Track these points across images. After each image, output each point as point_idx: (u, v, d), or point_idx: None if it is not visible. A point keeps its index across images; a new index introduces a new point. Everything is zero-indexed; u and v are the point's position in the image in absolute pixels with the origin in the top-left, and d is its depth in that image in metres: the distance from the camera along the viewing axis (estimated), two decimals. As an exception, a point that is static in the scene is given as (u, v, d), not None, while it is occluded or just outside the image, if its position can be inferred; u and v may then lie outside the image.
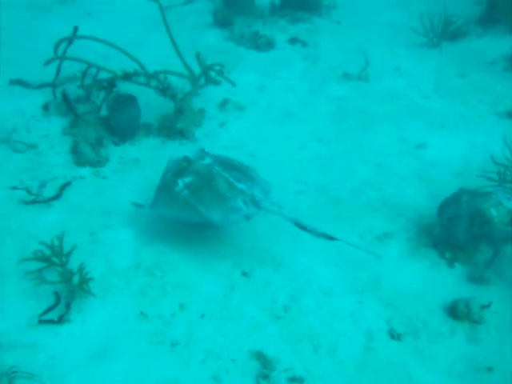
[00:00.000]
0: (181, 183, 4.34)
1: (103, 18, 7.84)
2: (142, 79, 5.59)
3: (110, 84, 5.21)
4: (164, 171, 4.52)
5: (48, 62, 5.80)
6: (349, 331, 4.01)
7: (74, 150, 5.27)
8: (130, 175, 5.19)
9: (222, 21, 7.87)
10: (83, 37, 5.77)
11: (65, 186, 4.94)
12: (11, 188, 4.84)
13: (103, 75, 5.74)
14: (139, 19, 7.92)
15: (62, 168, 5.16)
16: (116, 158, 5.36)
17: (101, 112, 5.64)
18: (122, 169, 5.25)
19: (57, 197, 4.84)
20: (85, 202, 4.85)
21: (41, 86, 6.20)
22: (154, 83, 5.59)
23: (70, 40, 5.86)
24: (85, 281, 3.93)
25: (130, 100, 5.42)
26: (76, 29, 5.85)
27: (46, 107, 5.82)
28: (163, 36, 7.41)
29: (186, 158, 4.46)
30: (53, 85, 5.93)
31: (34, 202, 4.76)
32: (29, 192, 4.80)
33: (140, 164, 5.32)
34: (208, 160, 4.49)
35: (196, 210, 4.21)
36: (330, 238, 4.05)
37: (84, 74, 5.71)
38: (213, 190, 4.29)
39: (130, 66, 5.74)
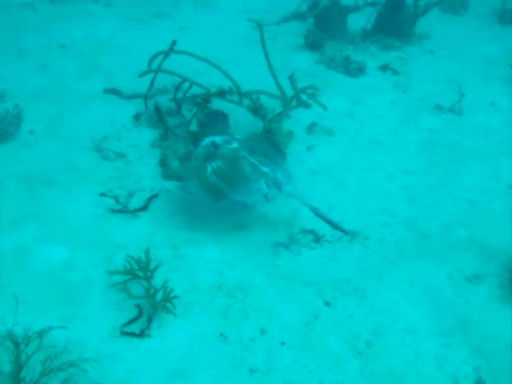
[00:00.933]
0: (209, 168, 4.53)
1: (196, 32, 7.93)
2: (234, 97, 5.60)
3: (205, 100, 5.22)
4: (194, 156, 4.74)
5: (143, 74, 5.90)
6: (433, 375, 3.83)
7: (163, 163, 5.29)
8: (216, 192, 5.16)
9: (312, 43, 7.83)
10: (179, 51, 5.85)
11: (152, 198, 4.96)
12: (100, 195, 4.89)
13: (195, 90, 5.80)
14: (231, 36, 7.99)
15: (149, 180, 5.19)
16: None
17: (190, 126, 5.67)
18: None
19: (143, 208, 4.86)
20: (170, 215, 4.86)
21: (132, 97, 6.30)
22: (246, 102, 5.59)
23: (166, 54, 5.93)
24: (168, 299, 3.90)
25: (222, 117, 5.43)
26: (174, 43, 5.92)
27: (137, 117, 5.90)
28: (254, 55, 7.49)
29: (213, 143, 4.63)
30: (145, 96, 6.01)
31: (121, 211, 4.80)
32: (117, 201, 4.84)
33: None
34: (235, 144, 4.65)
35: (223, 193, 4.42)
36: (342, 231, 4.46)
37: (177, 88, 5.76)
38: (238, 172, 4.48)
39: (222, 82, 5.78)
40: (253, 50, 7.76)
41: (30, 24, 7.44)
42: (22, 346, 3.29)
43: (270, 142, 5.18)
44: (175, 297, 3.94)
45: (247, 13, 8.90)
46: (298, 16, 8.74)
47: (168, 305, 3.91)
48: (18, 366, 3.23)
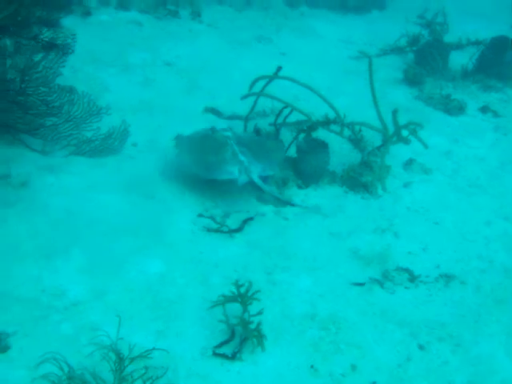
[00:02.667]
0: (200, 145, 5.34)
1: (296, 58, 7.98)
2: (335, 127, 5.58)
3: (311, 128, 5.22)
4: (193, 134, 5.49)
5: (245, 97, 5.96)
6: None
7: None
8: (310, 221, 5.13)
9: (412, 79, 7.75)
10: (283, 77, 5.88)
11: (247, 220, 4.98)
12: (198, 216, 4.94)
13: (293, 116, 5.82)
14: (330, 65, 8.02)
15: (245, 202, 5.21)
16: (298, 200, 5.33)
17: (287, 152, 5.68)
18: (303, 213, 5.21)
19: (239, 230, 4.87)
20: (265, 239, 4.85)
21: (232, 117, 6.38)
22: (346, 132, 5.56)
23: (271, 78, 5.98)
24: (260, 335, 3.87)
25: (322, 146, 5.41)
26: (279, 68, 5.95)
27: (237, 139, 5.94)
28: (352, 84, 7.51)
29: (212, 128, 5.52)
30: (246, 119, 6.06)
31: (217, 230, 4.83)
32: (213, 220, 4.88)
33: (321, 211, 5.25)
34: (229, 133, 5.44)
35: (202, 168, 5.14)
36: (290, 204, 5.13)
37: (279, 113, 5.78)
38: (220, 154, 5.20)
39: (319, 110, 5.82)
40: (350, 79, 7.79)
41: (137, 40, 7.66)
42: (126, 362, 3.34)
43: (269, 146, 5.49)
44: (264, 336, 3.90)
45: (346, 43, 8.94)
46: (397, 50, 8.69)
47: (262, 333, 3.87)
48: (121, 381, 3.28)
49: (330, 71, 7.85)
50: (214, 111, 6.44)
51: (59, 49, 5.01)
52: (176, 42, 7.85)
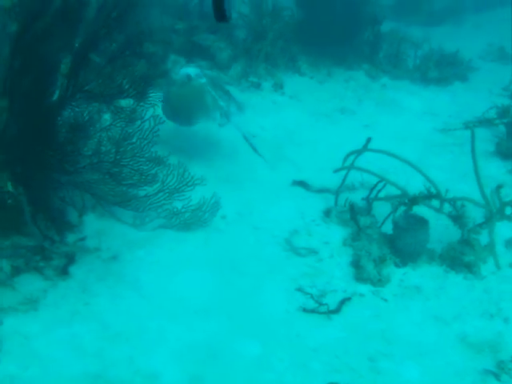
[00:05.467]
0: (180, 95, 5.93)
1: (380, 130, 7.78)
2: (433, 202, 5.31)
3: (413, 203, 4.96)
4: (171, 82, 6.00)
5: (338, 170, 5.80)
6: None
7: (356, 265, 5.04)
8: (411, 303, 4.80)
9: (505, 152, 7.42)
10: (375, 150, 5.70)
11: (344, 300, 4.69)
12: (296, 289, 4.70)
13: (386, 190, 5.60)
14: (415, 137, 7.78)
15: (341, 281, 4.95)
16: (396, 280, 5.02)
17: (382, 228, 5.41)
18: (403, 294, 4.89)
19: (336, 311, 4.59)
20: (364, 322, 4.55)
21: (321, 191, 6.19)
22: (446, 208, 5.27)
23: (360, 151, 5.80)
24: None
25: (422, 223, 5.12)
26: (369, 140, 5.78)
27: (327, 213, 5.74)
28: (439, 158, 7.25)
29: (188, 76, 5.82)
30: (337, 192, 5.86)
31: (313, 311, 4.56)
32: (313, 299, 4.62)
33: (422, 292, 4.92)
34: (204, 80, 5.85)
35: (186, 116, 5.97)
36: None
37: (374, 187, 5.55)
38: (202, 102, 5.85)
39: (410, 184, 5.57)
40: (437, 152, 7.54)
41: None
42: None
43: None
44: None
45: (430, 115, 8.72)
46: (485, 122, 8.39)
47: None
48: None
49: (415, 144, 7.61)
50: (302, 184, 6.27)
51: (153, 118, 4.97)
52: (260, 113, 7.80)
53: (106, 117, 5.23)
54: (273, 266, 5.01)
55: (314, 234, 5.46)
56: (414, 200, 5.01)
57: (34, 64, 4.59)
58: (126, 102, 5.20)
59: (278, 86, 8.59)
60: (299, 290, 4.74)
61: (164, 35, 8.64)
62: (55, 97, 4.79)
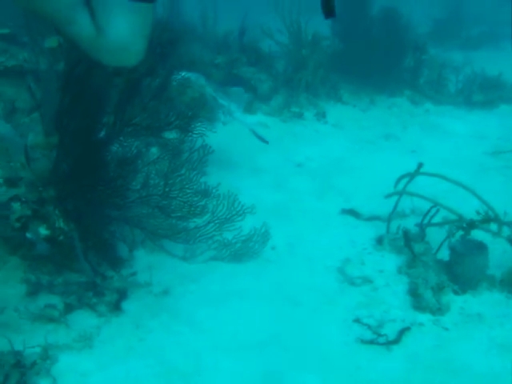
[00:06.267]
0: None
1: (427, 156, 7.60)
2: (491, 226, 5.14)
3: (471, 226, 4.80)
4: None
5: (389, 196, 5.67)
6: None
7: (413, 293, 4.87)
8: (474, 331, 4.60)
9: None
10: (428, 174, 5.58)
11: (404, 330, 4.52)
12: (353, 321, 4.56)
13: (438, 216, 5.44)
14: (464, 161, 7.62)
15: (398, 310, 4.78)
16: (457, 308, 4.83)
17: (438, 254, 5.24)
18: (464, 322, 4.69)
19: (396, 341, 4.42)
20: (425, 353, 4.36)
21: (371, 218, 6.06)
22: (506, 232, 5.08)
23: (412, 176, 5.67)
24: None
25: (481, 247, 4.94)
26: (420, 165, 5.65)
27: (379, 241, 5.60)
28: (493, 182, 7.06)
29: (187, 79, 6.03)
30: (388, 219, 5.72)
31: (372, 342, 4.40)
32: (369, 330, 4.46)
33: (485, 320, 4.71)
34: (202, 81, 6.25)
35: None
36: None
37: (427, 213, 5.40)
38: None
39: (463, 209, 5.40)
40: (489, 176, 7.34)
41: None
42: None
43: None
44: None
45: (477, 138, 8.55)
46: (535, 144, 8.18)
47: None
48: None
49: (465, 168, 7.42)
50: (351, 212, 6.15)
51: (202, 149, 4.95)
52: (303, 143, 7.75)
53: (154, 150, 5.23)
54: (327, 297, 4.87)
55: (367, 262, 5.33)
56: (471, 224, 4.85)
57: (83, 100, 4.62)
58: (172, 134, 5.20)
59: (321, 115, 8.54)
60: (356, 320, 4.58)
61: (205, 69, 8.70)
62: (103, 132, 4.81)
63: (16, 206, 4.59)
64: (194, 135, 4.89)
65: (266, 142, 6.44)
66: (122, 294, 4.59)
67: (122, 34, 1.36)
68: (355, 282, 5.04)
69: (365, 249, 5.55)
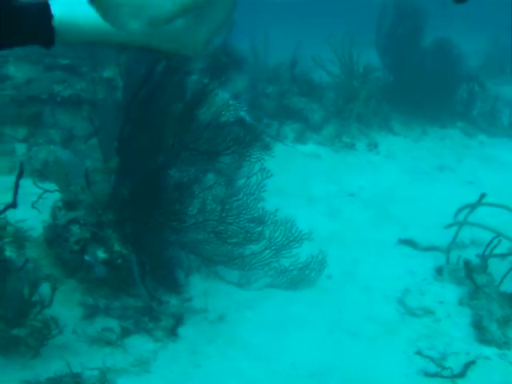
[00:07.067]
0: None
1: (485, 187, 7.39)
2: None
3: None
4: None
5: (449, 226, 5.53)
6: None
7: (477, 325, 4.69)
8: (544, 366, 4.39)
9: None
10: (490, 204, 5.43)
11: (469, 364, 4.34)
12: (414, 353, 4.39)
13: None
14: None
15: (462, 342, 4.60)
16: (524, 339, 4.63)
17: (501, 286, 5.05)
18: (535, 356, 4.49)
19: (461, 375, 4.24)
20: (492, 387, 4.17)
21: (429, 249, 5.91)
22: None
23: (474, 206, 5.53)
24: None
25: (548, 279, 4.75)
26: (483, 195, 5.51)
27: (438, 271, 5.44)
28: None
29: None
30: (448, 250, 5.56)
31: (436, 375, 4.23)
32: (431, 363, 4.30)
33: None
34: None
35: None
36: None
37: (489, 243, 5.23)
38: None
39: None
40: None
41: (318, 172, 7.55)
42: None
43: None
44: None
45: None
46: None
47: None
48: None
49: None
50: (408, 242, 6.01)
51: (260, 173, 4.92)
52: (356, 173, 7.66)
53: (210, 176, 5.22)
54: (387, 327, 4.73)
55: (427, 293, 5.17)
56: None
57: (144, 126, 4.66)
58: (228, 159, 5.19)
59: (373, 146, 8.46)
60: (418, 352, 4.42)
61: (255, 99, 8.75)
62: (162, 156, 4.82)
63: (75, 228, 4.61)
64: (253, 159, 4.85)
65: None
66: (178, 320, 4.53)
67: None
68: (416, 313, 4.89)
69: (424, 279, 5.40)
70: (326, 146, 8.29)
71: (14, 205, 3.88)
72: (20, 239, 4.55)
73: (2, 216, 4.13)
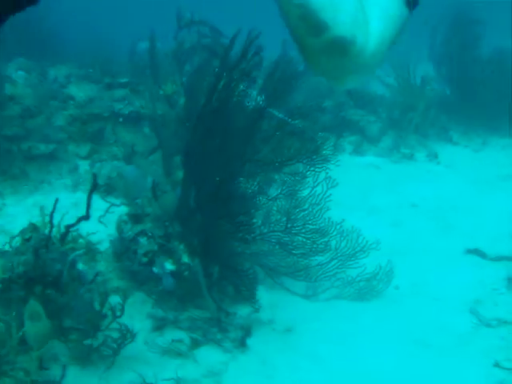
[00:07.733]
0: None
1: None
2: None
3: None
4: None
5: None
6: None
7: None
8: None
9: None
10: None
11: (547, 376, 4.17)
12: (493, 365, 4.25)
13: None
14: None
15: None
16: None
17: None
18: None
19: (541, 387, 4.07)
20: None
21: (498, 259, 5.73)
22: None
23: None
24: None
25: None
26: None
27: (510, 281, 5.27)
28: None
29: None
30: (518, 259, 5.40)
31: (522, 387, 4.07)
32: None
33: None
34: None
35: None
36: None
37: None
38: None
39: None
40: None
41: (378, 183, 7.46)
42: None
43: None
44: None
45: None
46: None
47: None
48: None
49: None
50: (476, 252, 5.85)
51: (325, 182, 4.87)
52: (417, 183, 7.53)
53: (274, 186, 5.20)
54: (461, 339, 4.59)
55: (501, 303, 5.01)
56: None
57: (211, 137, 4.67)
58: (292, 169, 5.15)
59: (433, 156, 8.32)
60: (496, 364, 4.27)
61: (311, 113, 8.70)
62: (228, 168, 4.83)
63: (143, 240, 4.65)
64: (317, 169, 4.80)
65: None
66: (247, 331, 4.50)
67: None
68: (490, 324, 4.73)
69: (495, 289, 5.24)
70: (384, 157, 8.19)
71: (86, 217, 3.92)
72: (91, 251, 4.61)
73: (75, 228, 4.18)
